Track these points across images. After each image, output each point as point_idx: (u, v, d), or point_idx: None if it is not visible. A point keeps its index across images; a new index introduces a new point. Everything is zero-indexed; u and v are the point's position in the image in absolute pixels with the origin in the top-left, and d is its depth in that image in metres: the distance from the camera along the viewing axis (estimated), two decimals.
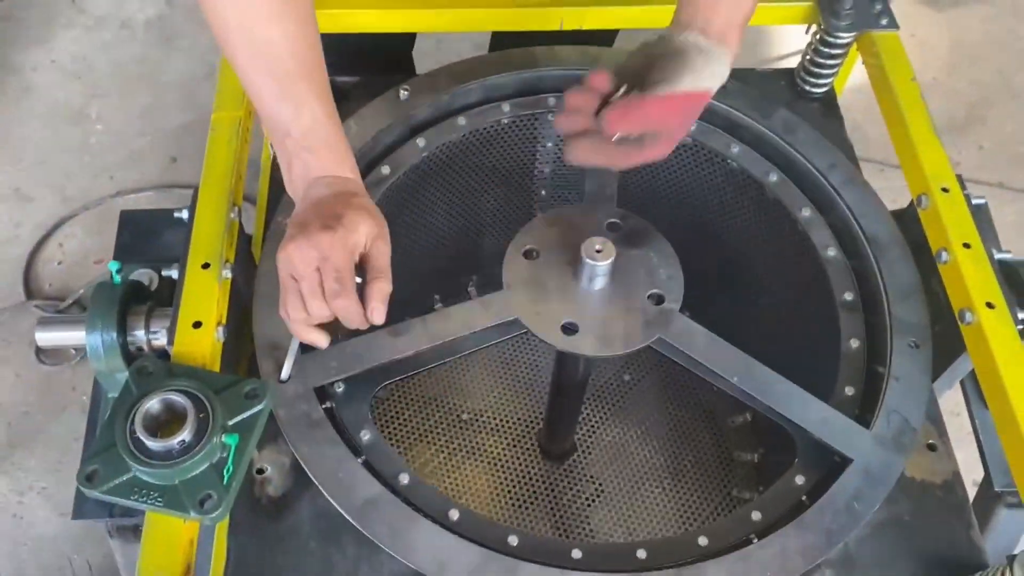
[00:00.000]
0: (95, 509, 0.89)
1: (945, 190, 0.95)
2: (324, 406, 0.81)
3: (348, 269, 0.72)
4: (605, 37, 1.25)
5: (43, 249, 1.74)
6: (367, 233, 0.74)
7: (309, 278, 0.71)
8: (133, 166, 1.85)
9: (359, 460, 0.78)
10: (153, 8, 2.09)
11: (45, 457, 1.52)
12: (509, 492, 1.12)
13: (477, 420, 1.19)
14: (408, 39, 1.38)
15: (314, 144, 0.77)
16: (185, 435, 0.69)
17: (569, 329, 0.83)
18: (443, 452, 1.16)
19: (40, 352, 1.62)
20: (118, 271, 0.90)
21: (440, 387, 1.22)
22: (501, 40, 1.34)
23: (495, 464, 1.15)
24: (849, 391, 0.86)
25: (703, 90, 0.78)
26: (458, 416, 1.20)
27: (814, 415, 0.82)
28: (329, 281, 0.71)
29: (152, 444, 0.69)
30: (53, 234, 1.75)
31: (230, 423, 0.71)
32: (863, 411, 0.84)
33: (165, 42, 2.04)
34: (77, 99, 1.94)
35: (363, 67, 1.13)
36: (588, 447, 1.17)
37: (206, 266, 0.82)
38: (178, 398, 0.70)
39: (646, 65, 0.78)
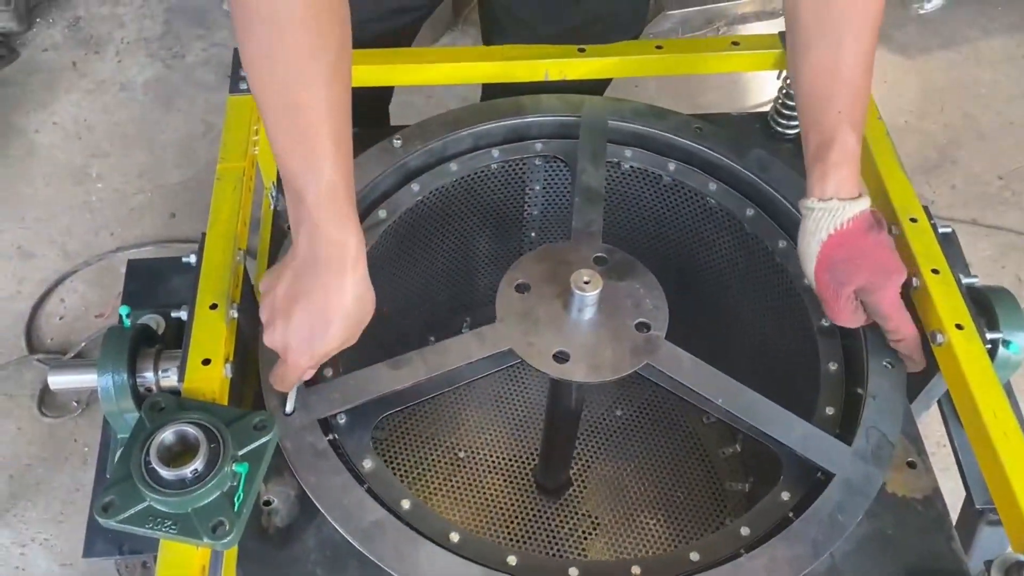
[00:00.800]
0: (105, 547, 0.92)
1: (913, 220, 1.00)
2: (328, 437, 0.84)
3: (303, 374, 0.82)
4: (596, 86, 1.32)
5: (45, 304, 1.77)
6: (335, 350, 0.81)
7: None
8: (133, 222, 1.89)
9: (363, 487, 0.81)
10: (151, 71, 2.17)
11: (47, 508, 1.53)
12: (507, 527, 1.14)
13: (473, 458, 1.22)
14: (387, 94, 1.44)
15: (324, 216, 0.76)
16: (197, 464, 0.72)
17: (561, 358, 0.87)
18: (441, 490, 1.18)
19: (42, 405, 1.64)
20: (127, 315, 0.94)
21: (436, 426, 1.25)
22: (492, 92, 1.40)
23: (492, 500, 1.18)
24: (829, 411, 0.90)
25: (858, 216, 0.87)
26: (455, 454, 1.23)
27: (797, 433, 0.85)
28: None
29: (166, 473, 0.72)
30: (55, 289, 1.79)
31: (240, 453, 0.75)
32: (843, 429, 0.88)
33: (163, 103, 2.10)
34: (78, 159, 2.00)
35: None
36: (583, 482, 1.19)
37: (214, 306, 0.86)
38: (191, 429, 0.74)
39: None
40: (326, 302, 0.77)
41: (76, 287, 1.80)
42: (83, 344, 1.71)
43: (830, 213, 0.86)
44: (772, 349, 1.08)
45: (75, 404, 1.64)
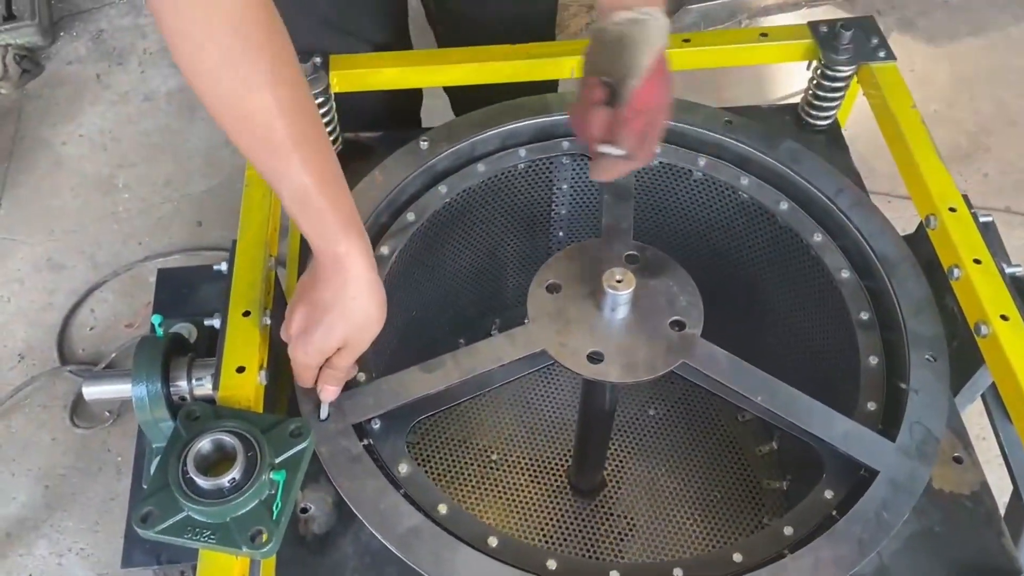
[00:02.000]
0: (144, 557, 0.92)
1: (952, 210, 0.98)
2: (362, 442, 0.84)
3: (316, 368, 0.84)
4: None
5: (76, 315, 1.79)
6: (331, 348, 0.82)
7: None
8: (160, 231, 1.91)
9: (399, 492, 0.80)
10: (175, 81, 2.18)
11: (83, 518, 1.54)
12: (542, 530, 1.13)
13: (506, 460, 1.21)
14: (417, 98, 1.44)
15: (302, 219, 0.77)
16: (235, 473, 0.72)
17: (594, 358, 0.86)
18: (474, 493, 1.18)
19: (75, 415, 1.65)
20: (160, 324, 0.94)
21: (468, 429, 1.24)
22: (459, 100, 1.42)
23: (527, 502, 1.17)
24: (871, 406, 0.88)
25: (658, 51, 0.86)
26: (487, 457, 1.22)
27: (839, 430, 0.84)
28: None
29: (204, 483, 0.71)
30: (85, 300, 1.81)
31: (277, 460, 0.74)
32: (886, 425, 0.86)
33: (187, 112, 2.12)
34: (105, 170, 2.01)
35: (378, 124, 1.18)
36: (617, 483, 1.18)
37: (247, 314, 0.85)
38: (227, 438, 0.73)
39: (607, 57, 0.86)
40: (318, 298, 0.80)
41: (106, 297, 1.82)
42: (114, 354, 1.72)
43: (659, 25, 0.86)
44: (810, 344, 1.06)
45: (107, 414, 1.65)
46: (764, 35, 1.16)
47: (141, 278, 1.84)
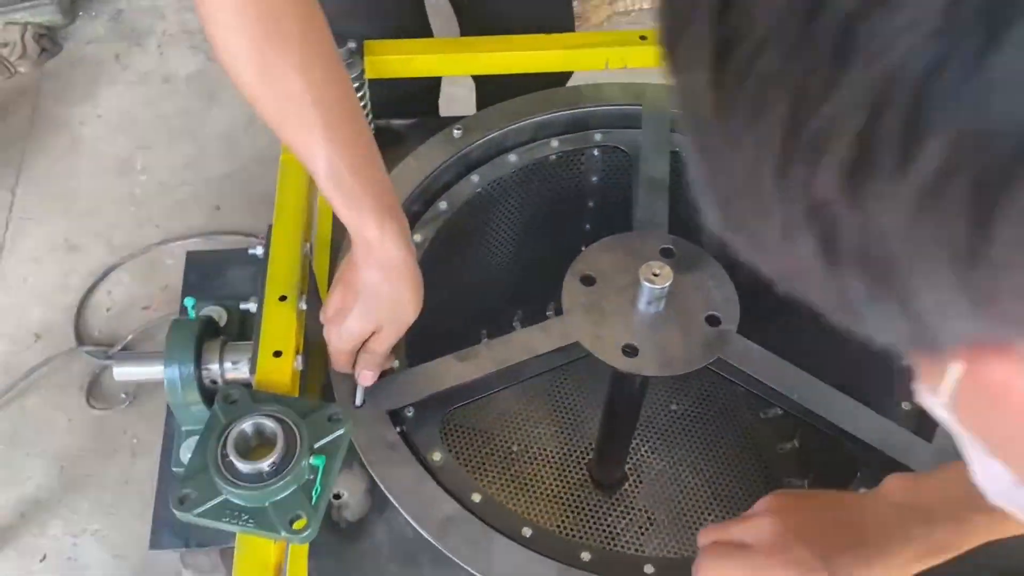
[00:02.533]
0: (172, 540, 0.92)
1: None
2: (397, 430, 0.83)
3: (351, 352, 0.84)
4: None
5: (92, 297, 1.78)
6: (365, 332, 0.82)
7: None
8: (178, 215, 1.90)
9: (434, 480, 0.80)
10: (194, 63, 2.17)
11: (99, 500, 1.54)
12: (563, 521, 1.13)
13: (527, 452, 1.21)
14: (436, 86, 1.44)
15: (337, 201, 0.77)
16: (275, 457, 0.71)
17: (629, 352, 0.86)
18: (496, 483, 1.17)
19: (91, 397, 1.65)
20: (192, 307, 0.94)
21: (489, 419, 1.24)
22: (486, 89, 1.41)
23: (548, 493, 1.17)
24: (906, 406, 0.88)
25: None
26: (509, 448, 1.22)
27: (875, 429, 0.84)
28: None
29: (243, 467, 0.71)
30: (102, 282, 1.80)
31: (316, 446, 0.74)
32: (921, 425, 0.86)
33: (206, 95, 2.11)
34: (123, 152, 2.01)
35: (397, 112, 1.18)
36: (638, 477, 1.18)
37: (283, 298, 0.85)
38: (268, 422, 0.73)
39: None
40: (354, 280, 0.81)
41: (122, 279, 1.81)
42: (130, 336, 1.72)
43: None
44: (844, 341, 1.05)
45: (123, 396, 1.65)
46: None
47: (158, 261, 1.83)
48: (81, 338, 1.72)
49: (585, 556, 0.78)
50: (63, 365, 1.69)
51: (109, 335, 1.74)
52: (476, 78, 1.44)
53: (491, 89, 1.19)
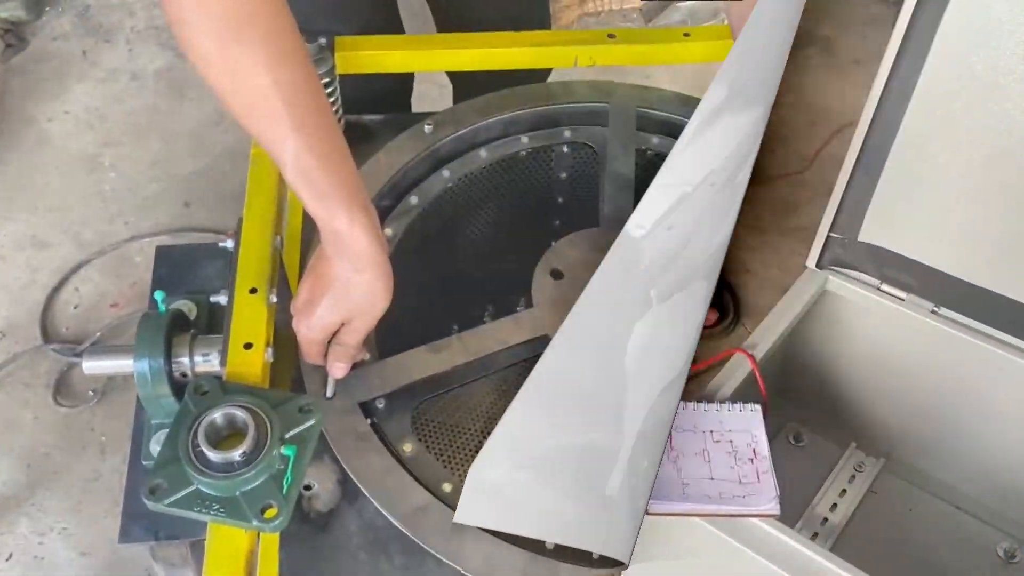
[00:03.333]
0: (142, 533, 0.92)
1: None
2: (368, 421, 0.84)
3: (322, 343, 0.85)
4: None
5: (60, 293, 1.77)
6: (335, 323, 0.83)
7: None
8: (147, 211, 1.89)
9: (405, 471, 0.81)
10: (163, 60, 2.16)
11: (66, 497, 1.53)
12: None
13: None
14: (409, 83, 1.45)
15: (306, 193, 0.77)
16: (246, 447, 0.72)
17: None
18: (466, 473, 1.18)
19: (58, 394, 1.64)
20: (162, 300, 0.94)
21: (460, 412, 1.25)
22: (462, 87, 1.42)
23: None
24: None
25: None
26: (480, 440, 1.22)
27: None
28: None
29: (214, 457, 0.72)
30: (70, 279, 1.79)
31: (287, 436, 0.75)
32: None
33: (175, 92, 2.10)
34: (91, 148, 1.99)
35: (370, 107, 1.18)
36: None
37: (254, 291, 0.86)
38: (239, 412, 0.74)
39: None
40: (323, 272, 0.81)
41: (91, 276, 1.80)
42: (99, 333, 1.70)
43: None
44: None
45: (91, 393, 1.64)
46: (687, 35, 1.18)
47: (127, 258, 1.82)
48: (48, 335, 1.71)
49: (550, 544, 0.79)
50: (29, 363, 1.67)
51: (77, 332, 1.73)
52: (453, 78, 1.45)
53: (468, 89, 1.20)
